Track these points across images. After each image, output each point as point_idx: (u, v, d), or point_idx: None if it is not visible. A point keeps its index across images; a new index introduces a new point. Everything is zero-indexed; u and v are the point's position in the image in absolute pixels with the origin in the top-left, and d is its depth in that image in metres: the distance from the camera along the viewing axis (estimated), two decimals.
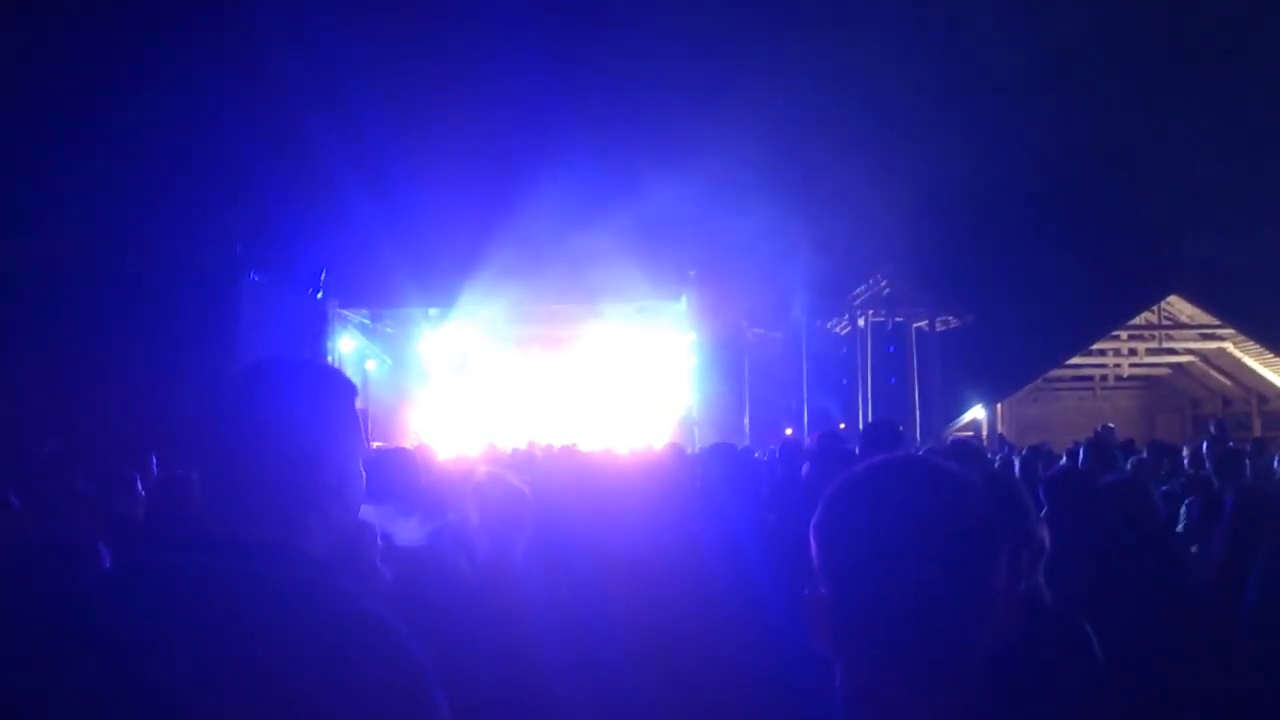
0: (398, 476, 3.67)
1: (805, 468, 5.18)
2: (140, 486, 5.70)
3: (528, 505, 3.58)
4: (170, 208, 15.46)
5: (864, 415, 23.02)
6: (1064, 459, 7.10)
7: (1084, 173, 26.69)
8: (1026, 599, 2.53)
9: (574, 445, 10.80)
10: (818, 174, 22.15)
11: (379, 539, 2.21)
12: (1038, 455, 6.06)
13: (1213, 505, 4.75)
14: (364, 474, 1.69)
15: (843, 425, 21.97)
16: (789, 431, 22.27)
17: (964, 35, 24.68)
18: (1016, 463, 6.43)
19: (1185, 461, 6.12)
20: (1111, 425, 12.04)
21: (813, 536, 1.29)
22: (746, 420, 22.95)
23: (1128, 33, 26.06)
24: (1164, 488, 4.99)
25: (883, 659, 1.22)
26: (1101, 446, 6.59)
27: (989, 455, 9.61)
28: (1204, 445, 6.76)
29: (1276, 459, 7.32)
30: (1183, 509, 4.86)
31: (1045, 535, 2.83)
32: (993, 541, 1.24)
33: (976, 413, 23.99)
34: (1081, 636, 2.61)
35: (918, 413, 22.66)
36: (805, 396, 23.54)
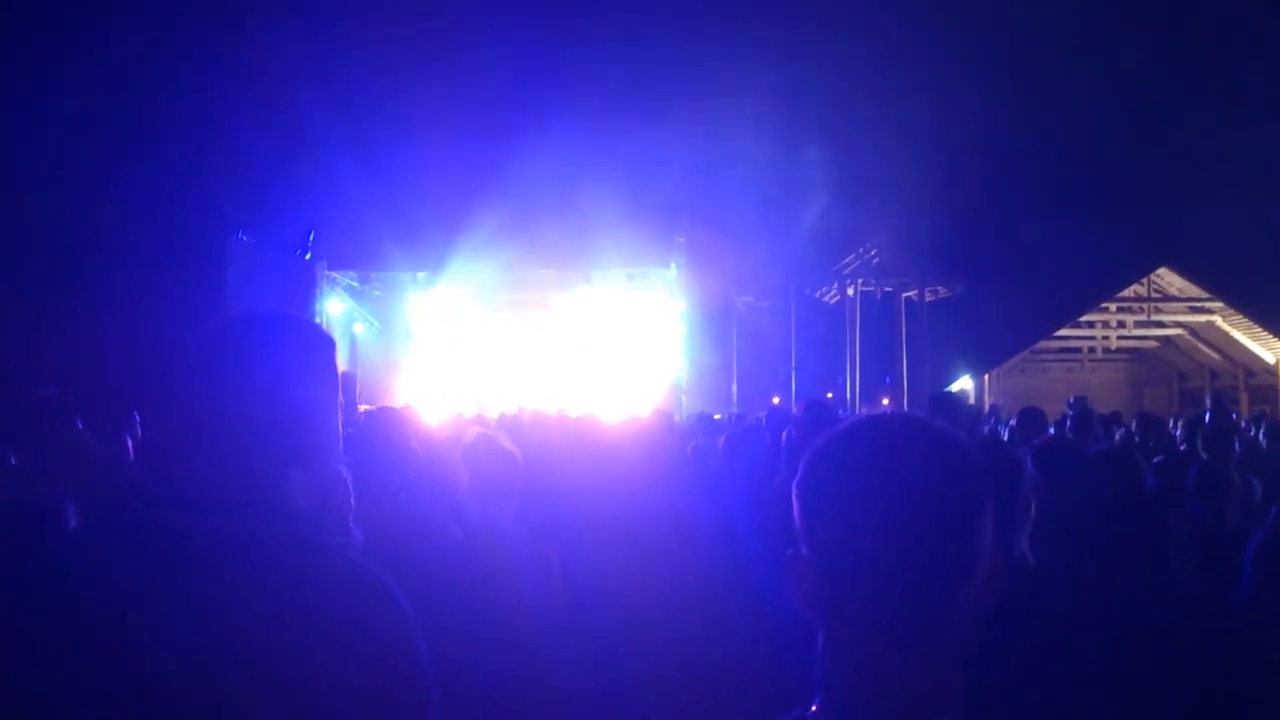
0: (388, 436, 3.66)
1: (785, 434, 5.19)
2: (129, 442, 5.69)
3: (518, 468, 3.57)
4: (160, 169, 15.35)
5: (852, 384, 23.08)
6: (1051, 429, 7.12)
7: (1076, 145, 26.68)
8: (1012, 563, 2.54)
9: (562, 411, 10.77)
10: (809, 142, 22.07)
11: (351, 498, 2.19)
12: (1031, 420, 6.02)
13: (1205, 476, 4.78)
14: (341, 431, 1.67)
15: (830, 394, 22.03)
16: (776, 400, 22.32)
17: (957, 6, 24.54)
18: (1005, 431, 6.45)
19: (1177, 434, 6.13)
20: (1084, 396, 11.96)
21: (794, 496, 1.26)
22: (734, 388, 22.99)
23: (1123, 6, 25.98)
24: (1156, 459, 5.00)
25: (864, 620, 1.19)
26: (1083, 418, 6.59)
27: (973, 408, 9.62)
28: (1206, 418, 6.78)
29: (1261, 432, 7.36)
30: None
31: (1033, 500, 2.83)
32: (979, 501, 1.21)
33: (965, 383, 24.08)
34: (1066, 602, 2.61)
35: (906, 382, 22.71)
36: (794, 365, 23.58)
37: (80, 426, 5.40)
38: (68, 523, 2.76)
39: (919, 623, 1.18)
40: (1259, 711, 2.70)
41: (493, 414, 11.86)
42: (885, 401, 22.32)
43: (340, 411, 1.65)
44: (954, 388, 24.13)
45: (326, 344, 1.66)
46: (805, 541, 1.24)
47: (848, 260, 23.64)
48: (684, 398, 20.18)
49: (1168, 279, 23.70)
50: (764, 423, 6.76)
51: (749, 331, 24.07)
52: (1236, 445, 6.07)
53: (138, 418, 6.40)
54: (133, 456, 5.62)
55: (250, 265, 16.82)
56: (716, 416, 14.62)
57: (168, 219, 15.31)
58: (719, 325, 22.84)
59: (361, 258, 20.61)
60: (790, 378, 23.57)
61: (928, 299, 23.51)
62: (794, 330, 23.69)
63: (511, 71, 20.90)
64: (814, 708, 1.24)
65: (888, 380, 21.99)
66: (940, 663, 1.19)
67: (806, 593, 1.23)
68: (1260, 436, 7.13)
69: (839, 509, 1.21)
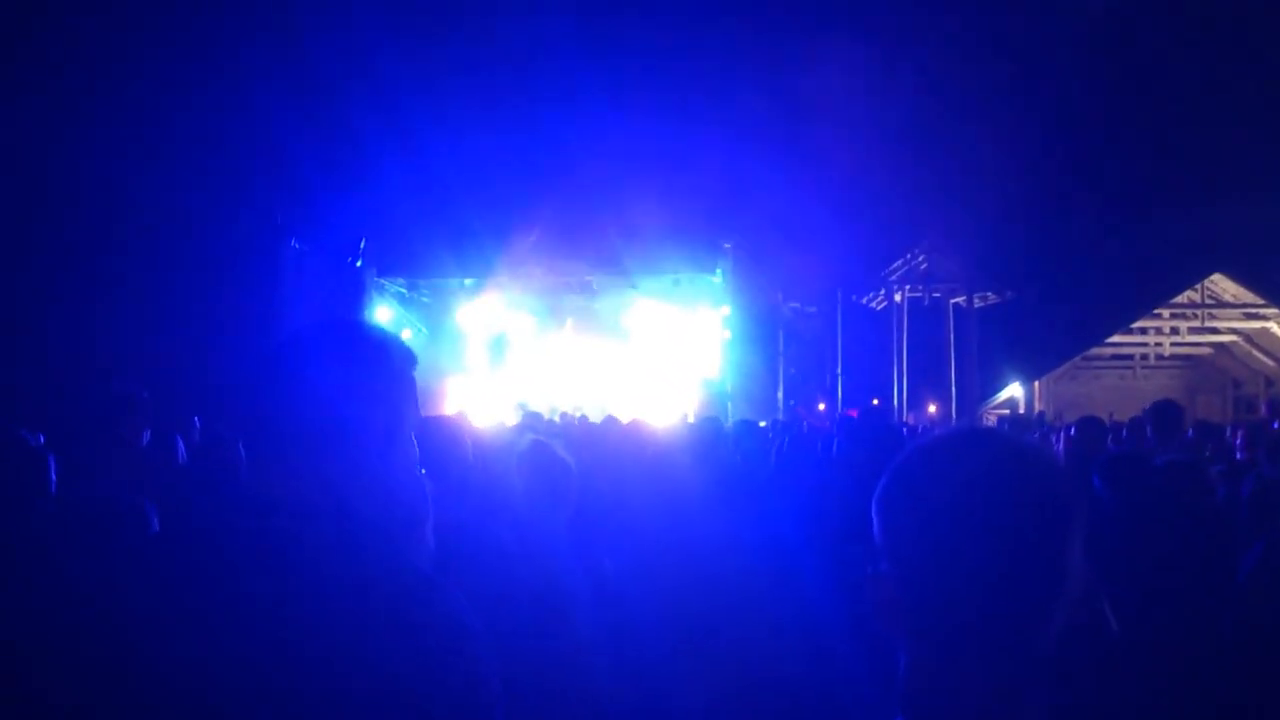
0: (442, 445, 3.67)
1: (836, 443, 5.14)
2: (182, 447, 5.77)
3: (572, 477, 3.57)
4: (214, 177, 15.57)
5: (898, 391, 22.91)
6: (1124, 433, 6.95)
7: (1128, 150, 26.32)
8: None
9: (613, 417, 10.77)
10: (858, 147, 21.94)
11: (430, 507, 2.20)
12: (1093, 430, 5.86)
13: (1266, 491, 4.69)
14: (413, 445, 1.68)
15: (876, 401, 21.89)
16: (822, 407, 22.21)
17: (1006, 8, 24.32)
18: (1061, 440, 6.36)
19: (1238, 441, 6.00)
20: (1171, 400, 11.68)
21: (876, 511, 1.23)
22: (780, 394, 22.91)
23: (1174, 13, 25.60)
24: (1218, 467, 4.90)
25: (951, 641, 1.16)
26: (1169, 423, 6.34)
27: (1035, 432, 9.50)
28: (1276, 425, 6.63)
29: None
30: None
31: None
32: (1069, 519, 1.19)
33: (1014, 390, 23.82)
34: (1099, 618, 2.56)
35: (954, 389, 22.51)
36: (840, 372, 23.46)
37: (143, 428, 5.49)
38: (151, 525, 2.81)
39: (1008, 643, 1.16)
40: None
41: (550, 418, 11.88)
42: (932, 409, 22.15)
43: (411, 425, 1.66)
44: (1003, 395, 23.90)
45: (398, 356, 1.67)
46: (888, 559, 1.21)
47: (895, 266, 23.49)
48: (730, 404, 20.12)
49: (1221, 285, 23.33)
50: (827, 430, 6.71)
51: (795, 337, 24.00)
52: None
53: (197, 423, 6.49)
54: (184, 460, 5.70)
55: (302, 272, 17.01)
56: (762, 424, 14.56)
57: (221, 227, 15.53)
58: (765, 331, 22.78)
59: (410, 265, 20.75)
60: (836, 384, 23.45)
61: (976, 305, 23.30)
62: (841, 337, 23.57)
63: (560, 79, 20.99)
64: None
65: (876, 400, 21.75)
66: (1026, 683, 1.17)
67: (889, 612, 1.21)
68: None
69: (927, 527, 1.18)
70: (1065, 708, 1.28)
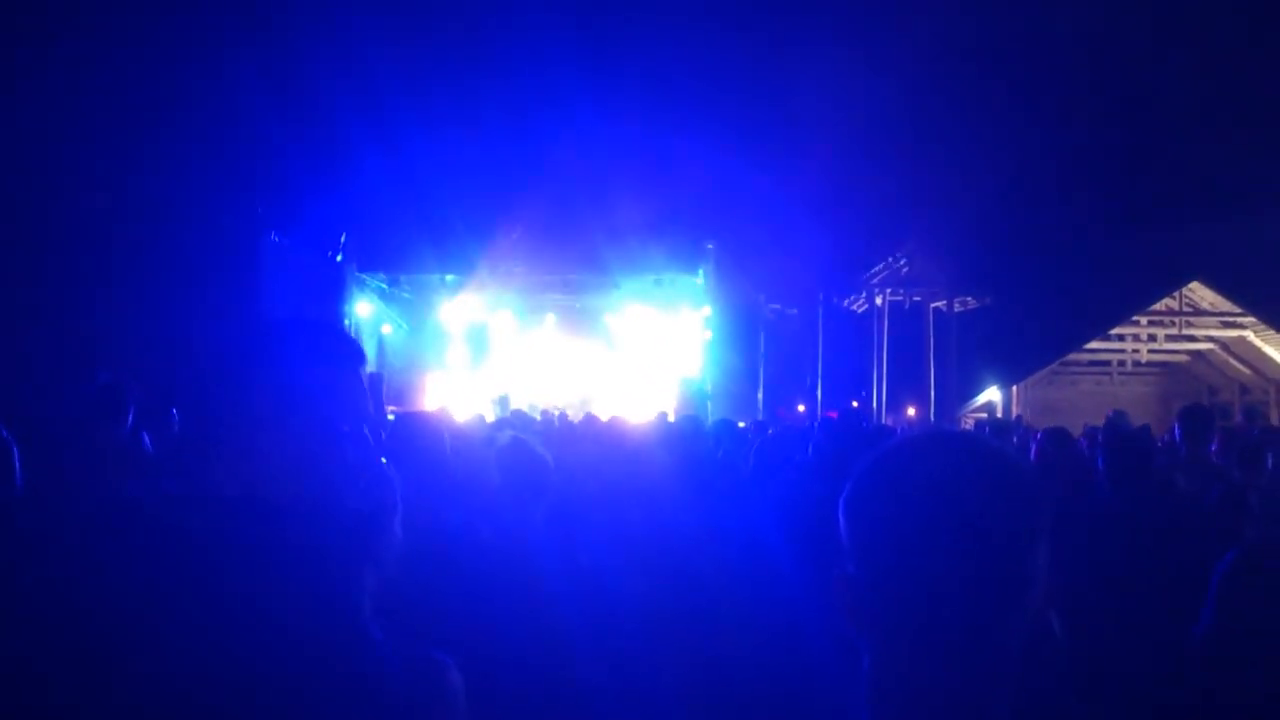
0: (421, 440, 3.67)
1: (812, 445, 5.16)
2: (147, 441, 5.74)
3: (549, 473, 3.58)
4: (193, 169, 15.49)
5: (877, 394, 23.00)
6: (1083, 442, 7.04)
7: (1107, 156, 26.47)
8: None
9: (594, 415, 10.79)
10: (841, 150, 22.00)
11: (399, 499, 2.20)
12: (1057, 439, 5.98)
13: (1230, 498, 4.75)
14: (370, 438, 1.68)
15: (856, 403, 21.97)
16: (802, 408, 22.28)
17: (987, 14, 24.43)
18: (1033, 446, 6.40)
19: (1213, 448, 6.05)
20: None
21: (842, 513, 1.22)
22: (761, 395, 22.96)
23: (1153, 21, 25.77)
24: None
25: (915, 642, 1.16)
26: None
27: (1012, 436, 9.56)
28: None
29: None
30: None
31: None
32: (1037, 521, 1.18)
33: (992, 394, 23.93)
34: (1045, 628, 2.56)
35: (933, 393, 22.62)
36: (820, 373, 23.53)
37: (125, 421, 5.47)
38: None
39: (971, 647, 1.15)
40: None
41: (530, 414, 11.87)
42: (911, 411, 22.25)
43: (369, 416, 1.67)
44: (981, 399, 24.02)
45: (351, 353, 1.67)
46: (854, 560, 1.21)
47: (876, 269, 23.59)
48: (710, 404, 20.15)
49: (1199, 293, 23.50)
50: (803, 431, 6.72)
51: (776, 339, 24.06)
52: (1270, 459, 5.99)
53: (175, 414, 6.45)
54: (151, 453, 5.67)
55: (281, 265, 16.94)
56: (741, 424, 14.58)
57: (201, 220, 15.45)
58: (746, 332, 22.83)
59: (391, 260, 20.70)
60: (816, 386, 23.52)
61: (956, 309, 23.42)
62: (821, 339, 23.64)
63: (544, 76, 20.96)
64: None
65: (855, 403, 21.84)
66: (992, 686, 1.17)
67: (855, 613, 1.20)
68: None
69: (893, 529, 1.18)
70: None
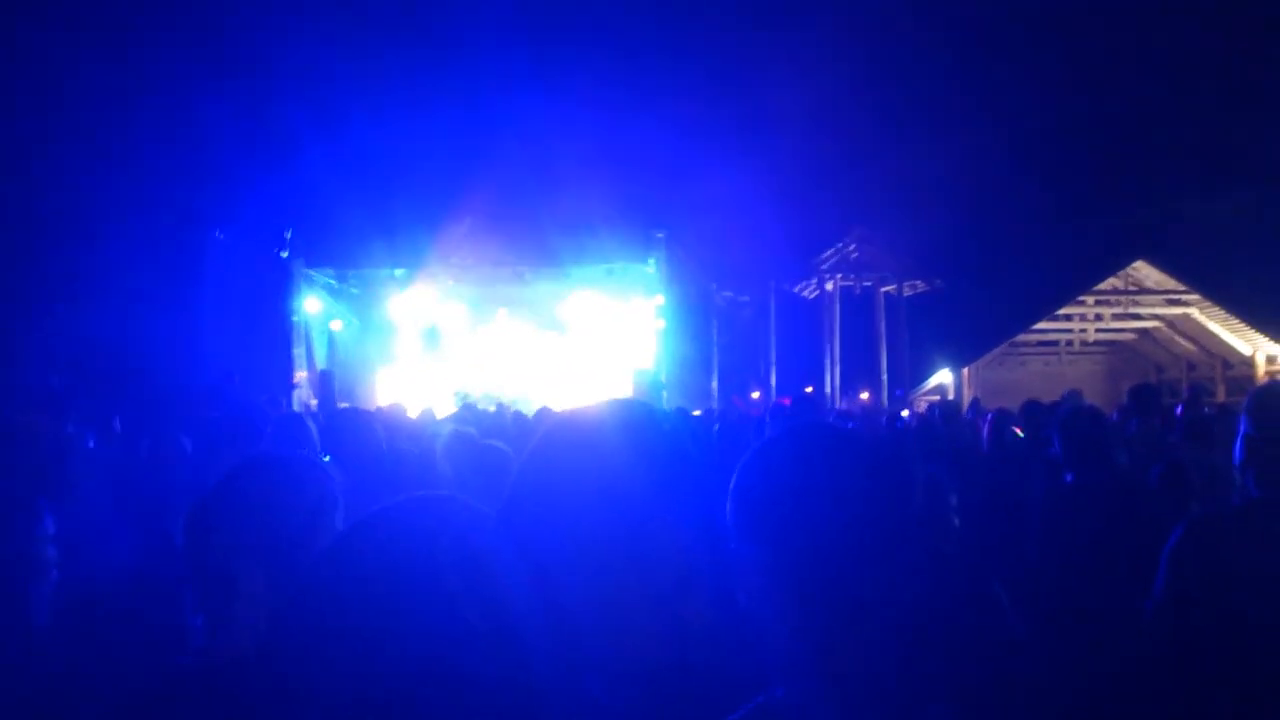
0: (355, 436, 3.58)
1: (766, 432, 5.16)
2: (91, 443, 5.62)
3: (503, 464, 3.52)
4: (133, 166, 15.22)
5: (831, 379, 23.11)
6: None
7: (1052, 139, 26.77)
8: (934, 558, 2.51)
9: (548, 408, 10.72)
10: (789, 137, 22.06)
11: (340, 496, 2.15)
12: (1006, 420, 6.05)
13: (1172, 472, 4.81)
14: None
15: (809, 389, 22.05)
16: (755, 395, 22.33)
17: (935, 1, 24.60)
18: (985, 426, 6.45)
19: (1157, 422, 6.14)
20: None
21: (731, 501, 1.42)
22: (715, 383, 22.99)
23: (1104, 2, 26.08)
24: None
25: (813, 597, 1.32)
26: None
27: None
28: (1178, 409, 6.79)
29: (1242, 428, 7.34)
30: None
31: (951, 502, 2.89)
32: (887, 493, 1.37)
33: (943, 376, 24.14)
34: (990, 594, 2.56)
35: (885, 376, 22.77)
36: (774, 360, 23.60)
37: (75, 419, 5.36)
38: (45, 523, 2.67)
39: (864, 595, 1.32)
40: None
41: (484, 408, 11.77)
42: (864, 395, 22.38)
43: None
44: (933, 381, 24.23)
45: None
46: (743, 539, 1.40)
47: (827, 255, 23.67)
48: (664, 393, 20.14)
49: (1144, 272, 23.82)
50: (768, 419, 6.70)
51: (729, 326, 24.10)
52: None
53: (117, 423, 6.33)
54: (91, 448, 5.56)
55: (227, 263, 16.68)
56: (696, 413, 14.59)
57: (142, 217, 15.19)
58: (699, 320, 22.83)
59: (338, 255, 20.42)
60: (770, 372, 23.59)
61: (906, 294, 23.58)
62: (774, 325, 23.71)
63: (492, 63, 20.83)
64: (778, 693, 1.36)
65: (809, 388, 21.93)
66: (881, 631, 1.31)
67: (750, 586, 1.39)
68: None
69: (772, 510, 1.37)
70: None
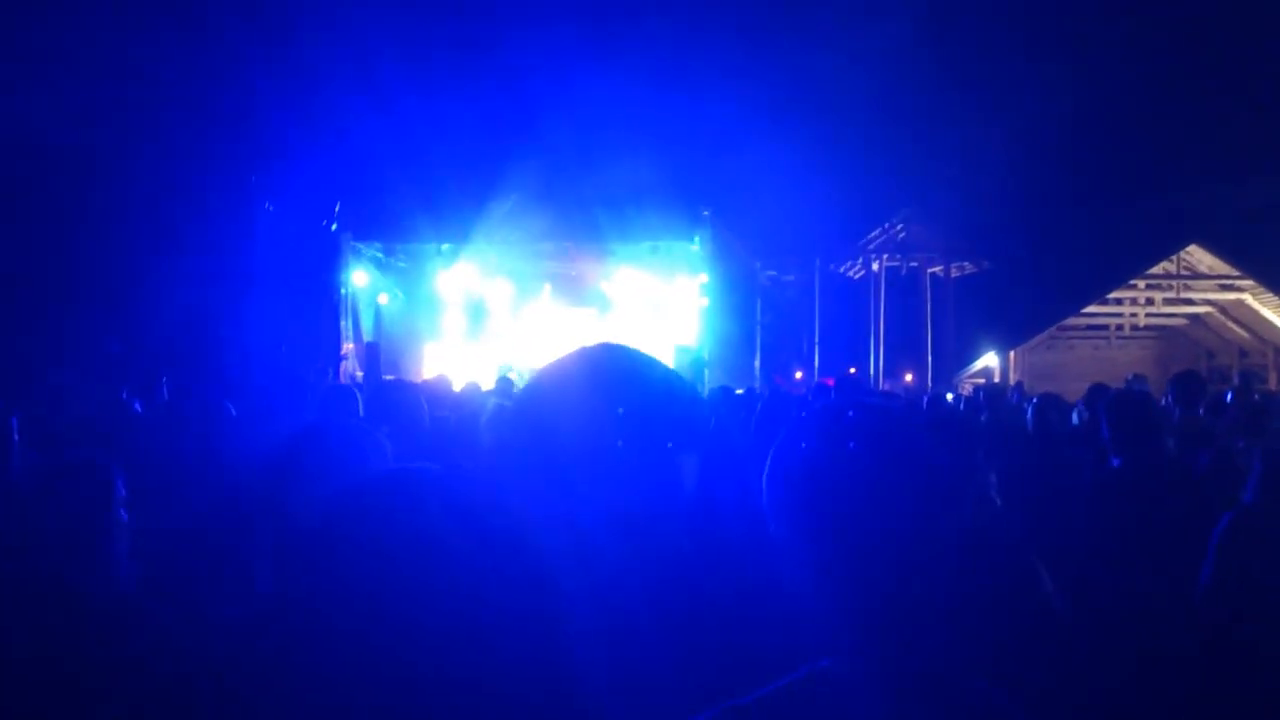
0: (399, 407, 3.62)
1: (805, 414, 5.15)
2: (138, 407, 5.74)
3: (545, 439, 3.54)
4: (186, 141, 15.40)
5: (875, 360, 22.98)
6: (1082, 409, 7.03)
7: (1105, 121, 26.35)
8: (975, 537, 2.51)
9: None
10: (838, 117, 21.89)
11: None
12: (1052, 404, 5.97)
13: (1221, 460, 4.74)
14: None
15: (853, 370, 21.95)
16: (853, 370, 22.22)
17: None
18: (1030, 410, 6.38)
19: (1200, 410, 6.04)
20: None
21: (767, 477, 1.41)
22: (758, 363, 22.94)
23: None
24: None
25: (849, 576, 1.33)
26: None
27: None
28: (1227, 396, 6.69)
29: None
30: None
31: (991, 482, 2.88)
32: (917, 471, 1.36)
33: (989, 360, 23.92)
34: (1028, 567, 2.55)
35: (930, 358, 22.60)
36: (817, 340, 23.49)
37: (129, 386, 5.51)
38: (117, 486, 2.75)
39: (891, 574, 1.32)
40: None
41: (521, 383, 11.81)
42: (908, 377, 22.24)
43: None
44: (979, 364, 24.01)
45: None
46: (779, 518, 1.39)
47: (873, 235, 23.50)
48: (707, 371, 20.13)
49: (1197, 256, 23.44)
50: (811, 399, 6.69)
51: (773, 306, 24.01)
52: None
53: (165, 382, 6.45)
54: (140, 415, 5.67)
55: (276, 235, 16.86)
56: (739, 391, 14.56)
57: (194, 189, 15.38)
58: (742, 299, 22.77)
59: (386, 229, 20.57)
60: (814, 352, 23.49)
61: (953, 275, 23.36)
62: (818, 305, 23.58)
63: (540, 41, 20.81)
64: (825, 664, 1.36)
65: (853, 369, 21.78)
66: (920, 605, 1.32)
67: (790, 562, 1.38)
68: None
69: (808, 494, 1.36)
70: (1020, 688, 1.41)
